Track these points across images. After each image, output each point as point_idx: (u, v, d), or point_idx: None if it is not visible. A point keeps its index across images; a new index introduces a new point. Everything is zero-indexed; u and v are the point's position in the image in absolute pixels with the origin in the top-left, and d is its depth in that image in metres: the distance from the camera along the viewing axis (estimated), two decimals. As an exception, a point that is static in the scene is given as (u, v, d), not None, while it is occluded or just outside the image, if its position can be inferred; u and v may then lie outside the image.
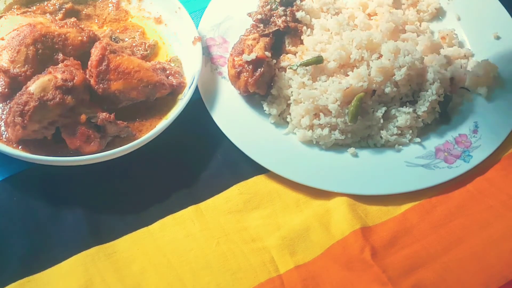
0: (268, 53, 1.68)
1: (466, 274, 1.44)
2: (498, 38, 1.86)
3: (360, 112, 1.64)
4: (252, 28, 1.76)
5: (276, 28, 1.76)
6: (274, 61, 1.72)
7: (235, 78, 1.68)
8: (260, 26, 1.76)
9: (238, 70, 1.67)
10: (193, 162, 1.62)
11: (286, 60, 1.75)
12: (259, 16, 1.77)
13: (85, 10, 1.84)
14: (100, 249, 1.46)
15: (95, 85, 1.56)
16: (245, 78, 1.66)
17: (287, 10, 1.79)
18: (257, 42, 1.70)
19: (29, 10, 1.77)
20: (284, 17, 1.77)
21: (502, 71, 1.77)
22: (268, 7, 1.79)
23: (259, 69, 1.65)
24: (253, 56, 1.65)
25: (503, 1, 1.92)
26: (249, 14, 1.80)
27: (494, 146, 1.65)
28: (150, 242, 1.48)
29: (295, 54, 1.77)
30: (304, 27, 1.79)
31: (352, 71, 1.67)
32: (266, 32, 1.74)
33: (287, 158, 1.62)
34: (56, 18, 1.72)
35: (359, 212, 1.53)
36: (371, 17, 1.89)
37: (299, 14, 1.79)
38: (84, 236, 1.48)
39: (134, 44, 1.76)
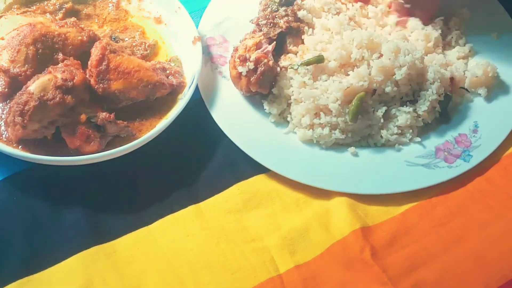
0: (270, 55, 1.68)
1: (466, 273, 1.44)
2: (498, 38, 1.86)
3: (360, 111, 1.64)
4: (253, 33, 1.75)
5: (280, 30, 1.75)
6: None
7: (237, 78, 1.68)
8: (264, 30, 1.75)
9: (240, 70, 1.67)
10: (193, 162, 1.62)
11: (287, 59, 1.74)
12: (263, 21, 1.76)
13: (85, 9, 1.84)
14: (100, 249, 1.46)
15: (95, 84, 1.56)
16: (247, 78, 1.66)
17: (288, 9, 1.78)
18: (257, 47, 1.69)
19: (29, 9, 1.77)
20: (286, 18, 1.76)
21: (501, 71, 1.77)
22: (269, 9, 1.79)
23: (260, 68, 1.65)
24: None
25: (503, 1, 1.92)
26: (252, 21, 1.79)
27: (494, 146, 1.65)
28: (150, 241, 1.48)
29: (296, 54, 1.77)
30: (306, 27, 1.79)
31: (353, 71, 1.67)
32: (271, 35, 1.73)
33: (287, 157, 1.62)
34: (56, 17, 1.72)
35: (359, 212, 1.53)
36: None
37: (301, 13, 1.79)
38: (84, 236, 1.48)
39: (134, 44, 1.75)
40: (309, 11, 1.81)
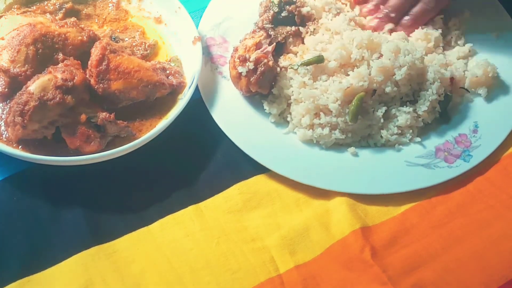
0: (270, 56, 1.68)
1: (466, 274, 1.44)
2: (498, 38, 1.86)
3: (360, 111, 1.63)
4: (253, 33, 1.75)
5: (288, 33, 1.75)
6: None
7: (237, 78, 1.68)
8: (272, 34, 1.75)
9: (240, 70, 1.67)
10: (193, 162, 1.62)
11: (287, 59, 1.74)
12: (268, 25, 1.76)
13: (85, 9, 1.84)
14: (100, 249, 1.46)
15: (95, 84, 1.56)
16: (247, 78, 1.66)
17: (291, 7, 1.78)
18: (256, 47, 1.69)
19: (29, 9, 1.77)
20: (293, 5, 1.77)
21: (501, 71, 1.77)
22: (271, 11, 1.78)
23: (260, 68, 1.65)
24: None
25: (503, 1, 1.92)
26: (257, 25, 1.78)
27: (494, 146, 1.64)
28: (150, 242, 1.48)
29: (296, 54, 1.77)
30: (306, 27, 1.79)
31: (353, 71, 1.67)
32: (279, 39, 1.73)
33: (287, 157, 1.62)
34: (56, 17, 1.72)
35: (359, 212, 1.53)
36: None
37: (305, 10, 1.78)
38: (84, 236, 1.48)
39: (134, 44, 1.75)
40: (311, 9, 1.81)
